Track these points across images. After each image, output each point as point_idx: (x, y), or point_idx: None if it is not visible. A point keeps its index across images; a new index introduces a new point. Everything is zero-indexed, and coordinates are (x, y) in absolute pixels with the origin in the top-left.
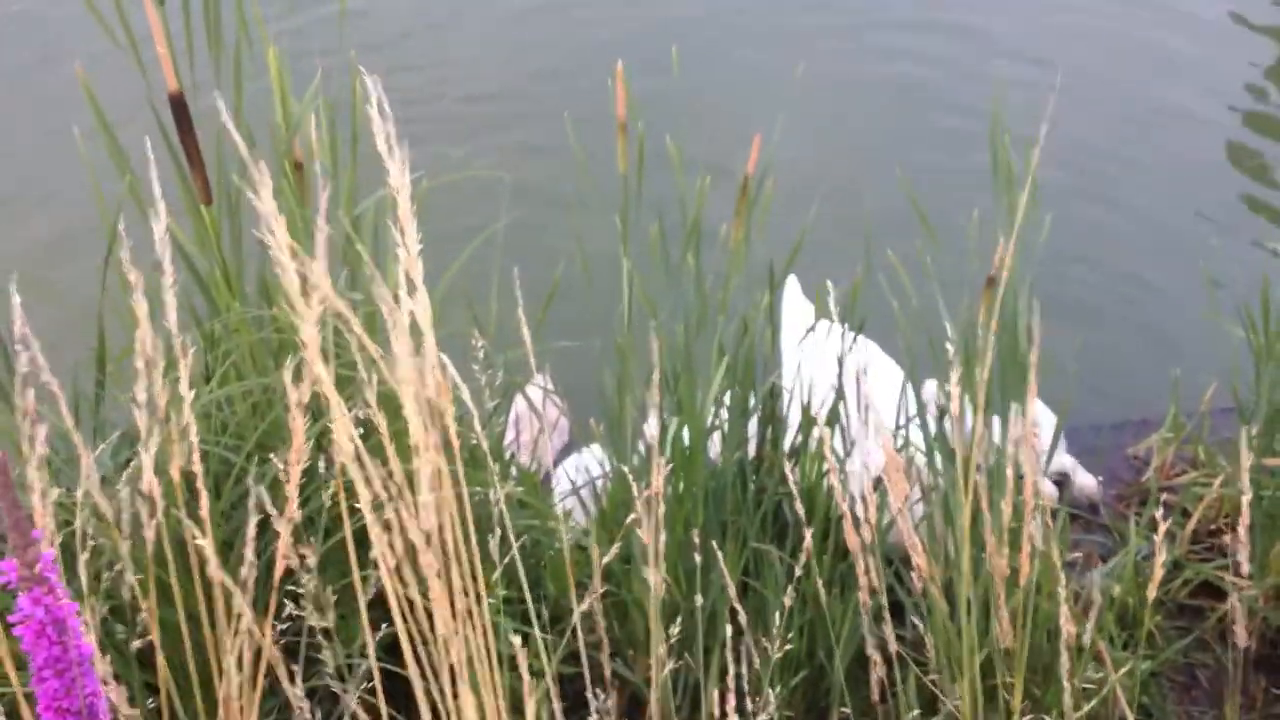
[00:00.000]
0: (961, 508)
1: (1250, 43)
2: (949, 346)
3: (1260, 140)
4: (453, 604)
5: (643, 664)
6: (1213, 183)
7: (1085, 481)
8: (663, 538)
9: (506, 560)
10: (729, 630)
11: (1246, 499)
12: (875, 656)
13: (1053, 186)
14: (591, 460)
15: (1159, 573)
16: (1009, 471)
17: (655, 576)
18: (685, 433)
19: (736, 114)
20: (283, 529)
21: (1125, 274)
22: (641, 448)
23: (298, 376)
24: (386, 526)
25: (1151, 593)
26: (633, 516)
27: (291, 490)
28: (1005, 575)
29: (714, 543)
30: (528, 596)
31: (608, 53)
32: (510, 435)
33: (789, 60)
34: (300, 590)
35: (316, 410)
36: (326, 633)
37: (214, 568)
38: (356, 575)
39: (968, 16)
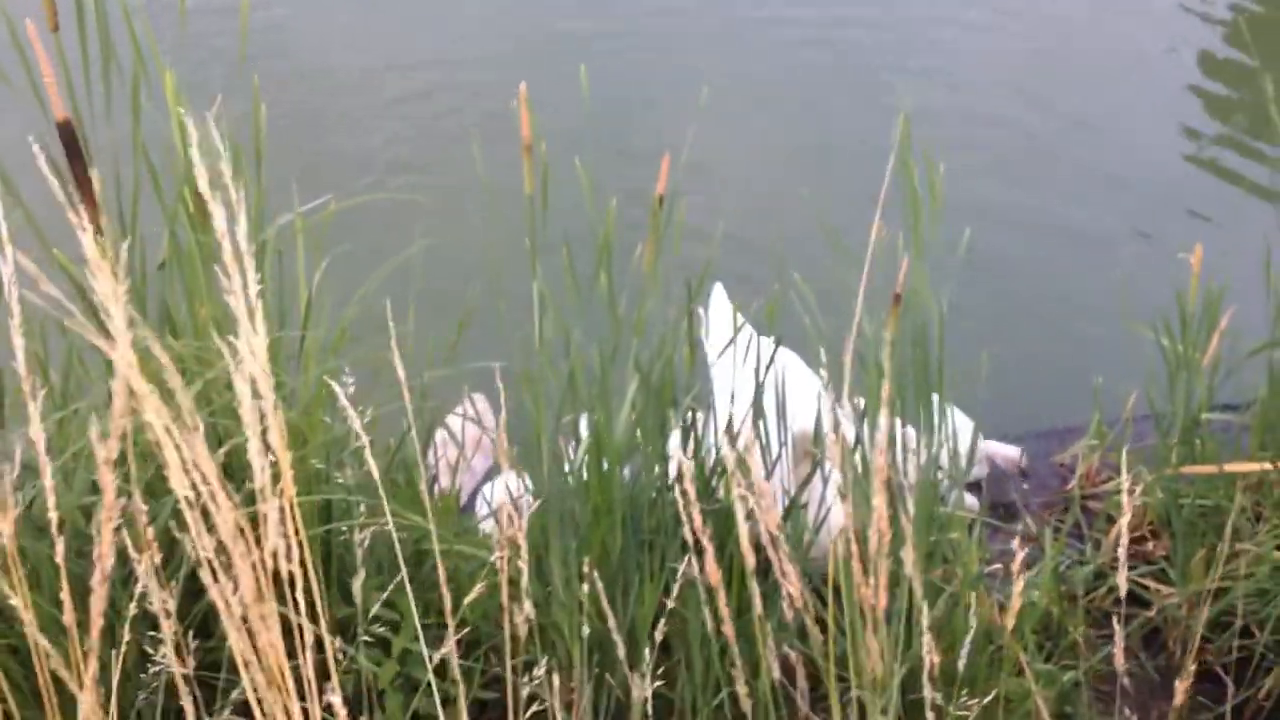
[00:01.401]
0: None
1: (1179, 53)
2: (845, 361)
3: (1185, 145)
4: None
5: (564, 687)
6: (1134, 190)
7: (1007, 454)
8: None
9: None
10: (647, 653)
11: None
12: (799, 671)
13: (973, 197)
14: (510, 484)
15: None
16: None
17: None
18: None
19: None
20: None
21: (1051, 281)
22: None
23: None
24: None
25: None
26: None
27: (104, 548)
28: (873, 604)
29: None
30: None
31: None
32: (436, 457)
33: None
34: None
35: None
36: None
37: (33, 631)
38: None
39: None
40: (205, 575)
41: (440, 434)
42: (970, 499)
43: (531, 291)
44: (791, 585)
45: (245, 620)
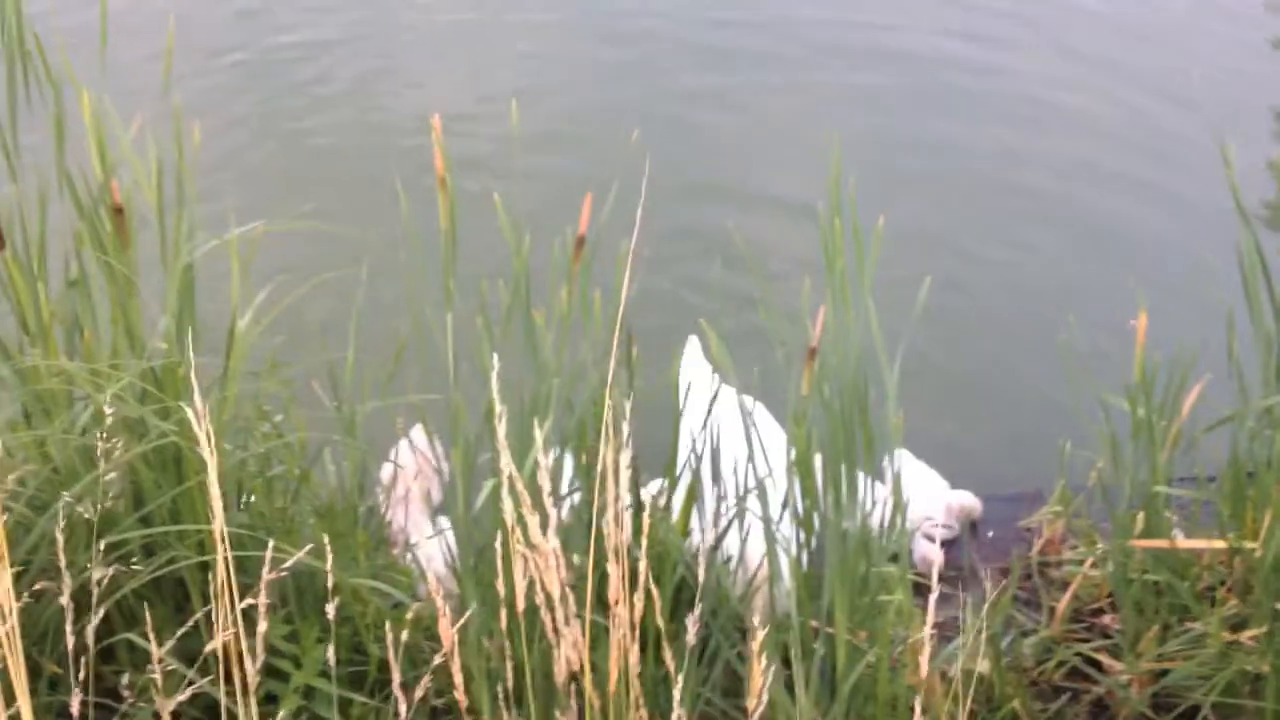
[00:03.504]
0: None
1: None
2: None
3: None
4: None
5: None
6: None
7: (964, 502)
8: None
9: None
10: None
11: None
12: None
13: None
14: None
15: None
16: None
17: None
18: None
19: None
20: None
21: (1026, 343)
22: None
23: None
24: None
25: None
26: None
27: None
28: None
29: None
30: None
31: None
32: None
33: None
34: None
35: None
36: None
37: None
38: None
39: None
40: None
41: (385, 468)
42: (929, 551)
43: (447, 327)
44: (567, 646)
45: None
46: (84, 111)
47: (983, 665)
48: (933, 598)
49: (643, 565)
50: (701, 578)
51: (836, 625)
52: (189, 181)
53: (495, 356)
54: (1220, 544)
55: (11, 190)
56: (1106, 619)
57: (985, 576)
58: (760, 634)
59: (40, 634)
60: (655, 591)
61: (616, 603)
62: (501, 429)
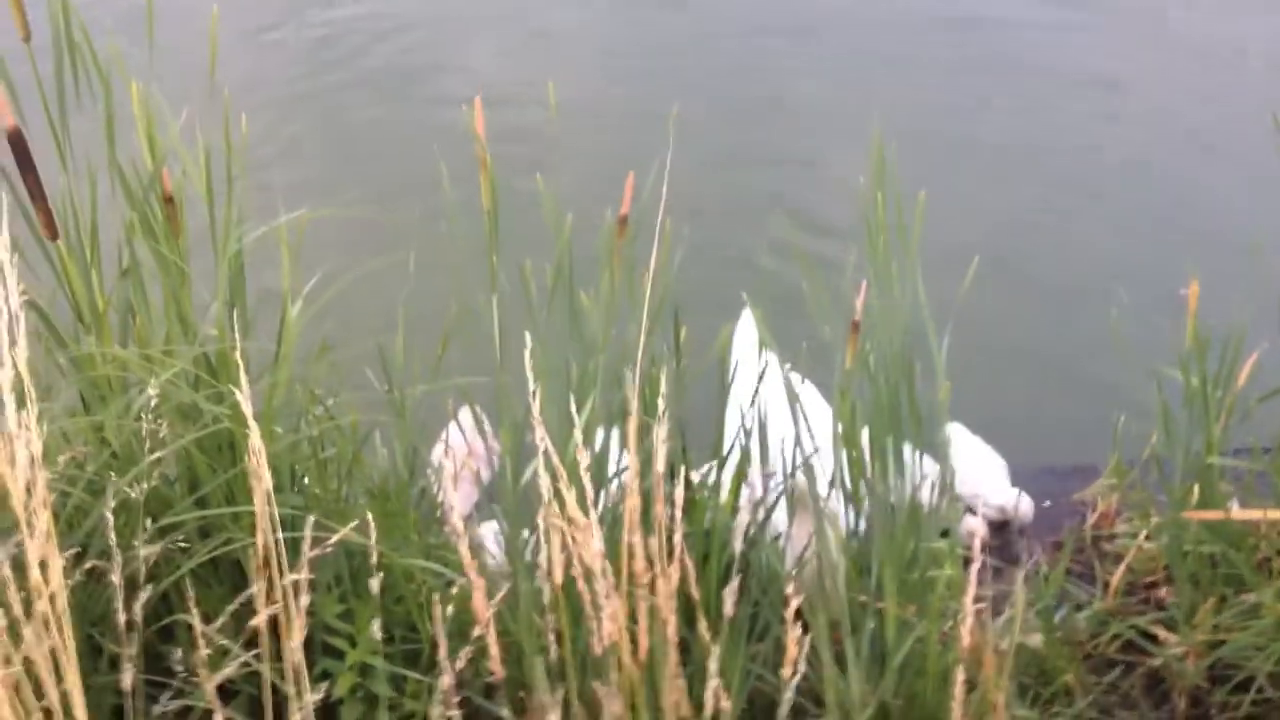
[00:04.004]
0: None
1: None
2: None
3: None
4: None
5: (535, 709)
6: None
7: (1003, 504)
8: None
9: None
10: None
11: None
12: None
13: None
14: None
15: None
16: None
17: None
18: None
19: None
20: None
21: (1082, 317)
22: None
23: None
24: None
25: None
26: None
27: None
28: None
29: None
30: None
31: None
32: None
33: None
34: None
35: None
36: None
37: None
38: None
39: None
40: None
41: (437, 449)
42: (975, 525)
43: (493, 308)
44: (608, 619)
45: None
46: (133, 101)
47: (1035, 639)
48: (974, 568)
49: (678, 536)
50: (738, 548)
51: (886, 600)
52: (239, 169)
53: (528, 335)
54: (1277, 514)
55: (63, 181)
56: (1161, 592)
57: (1039, 550)
58: (795, 601)
59: (100, 614)
60: (690, 563)
61: (651, 572)
62: (536, 406)
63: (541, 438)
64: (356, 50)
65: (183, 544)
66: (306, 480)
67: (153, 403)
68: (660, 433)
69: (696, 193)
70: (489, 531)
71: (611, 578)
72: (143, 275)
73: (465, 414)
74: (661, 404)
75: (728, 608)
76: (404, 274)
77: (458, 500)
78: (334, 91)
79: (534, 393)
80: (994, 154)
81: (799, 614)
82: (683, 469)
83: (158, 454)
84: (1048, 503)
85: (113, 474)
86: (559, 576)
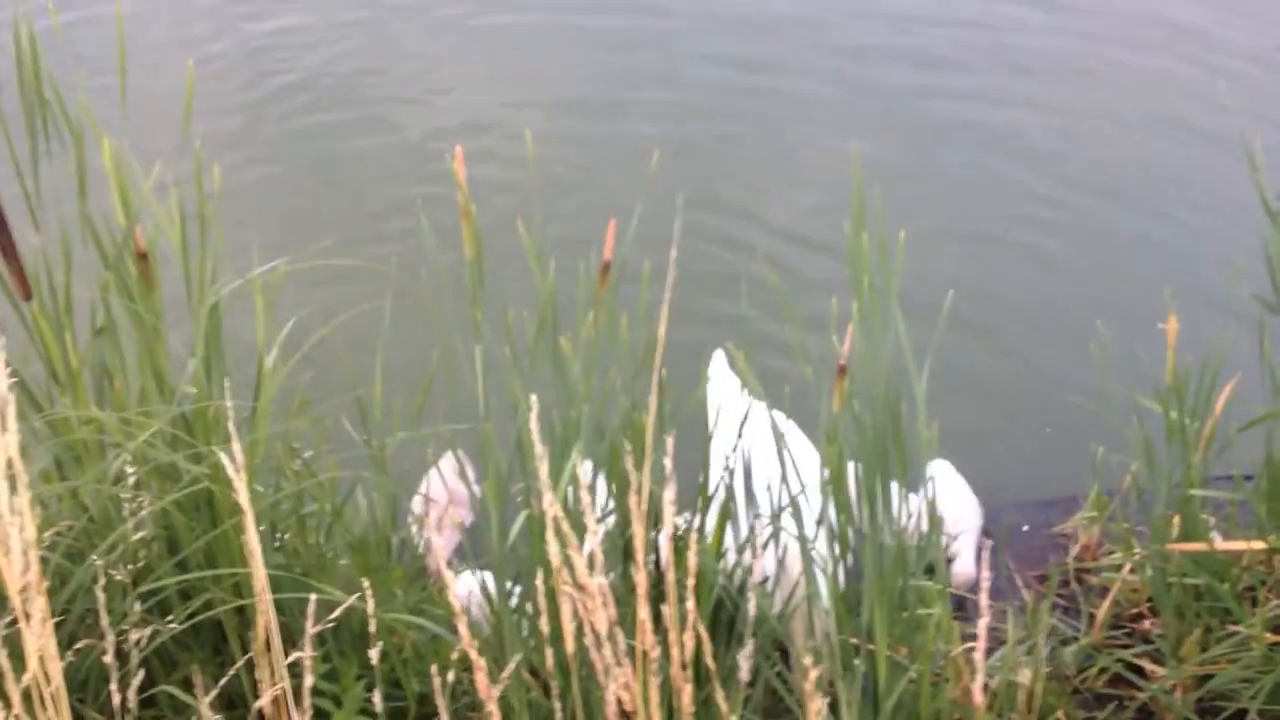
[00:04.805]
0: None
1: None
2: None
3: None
4: None
5: None
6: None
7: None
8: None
9: None
10: None
11: None
12: None
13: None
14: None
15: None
16: None
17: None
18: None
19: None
20: None
21: (1059, 348)
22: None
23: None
24: None
25: None
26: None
27: None
28: None
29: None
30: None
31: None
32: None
33: None
34: None
35: None
36: None
37: None
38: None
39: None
40: None
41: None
42: (962, 567)
43: (476, 360)
44: (619, 688)
45: None
46: (105, 158)
47: (1023, 675)
48: (982, 623)
49: (690, 604)
50: (752, 612)
51: (876, 642)
52: (214, 224)
53: (534, 397)
54: (1260, 545)
55: (35, 239)
56: (1147, 624)
57: (1022, 585)
58: (813, 672)
59: (81, 683)
60: (704, 633)
61: (668, 643)
62: (544, 468)
63: (550, 503)
64: (329, 93)
65: (167, 619)
66: (287, 536)
67: (129, 469)
68: (668, 495)
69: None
70: (474, 584)
71: (623, 645)
72: (118, 333)
73: (445, 460)
74: (668, 465)
75: (744, 673)
76: (380, 322)
77: (439, 546)
78: (305, 134)
79: (542, 456)
80: (965, 189)
81: (785, 654)
82: (693, 532)
83: (137, 519)
84: (1026, 528)
85: (96, 554)
86: (570, 645)
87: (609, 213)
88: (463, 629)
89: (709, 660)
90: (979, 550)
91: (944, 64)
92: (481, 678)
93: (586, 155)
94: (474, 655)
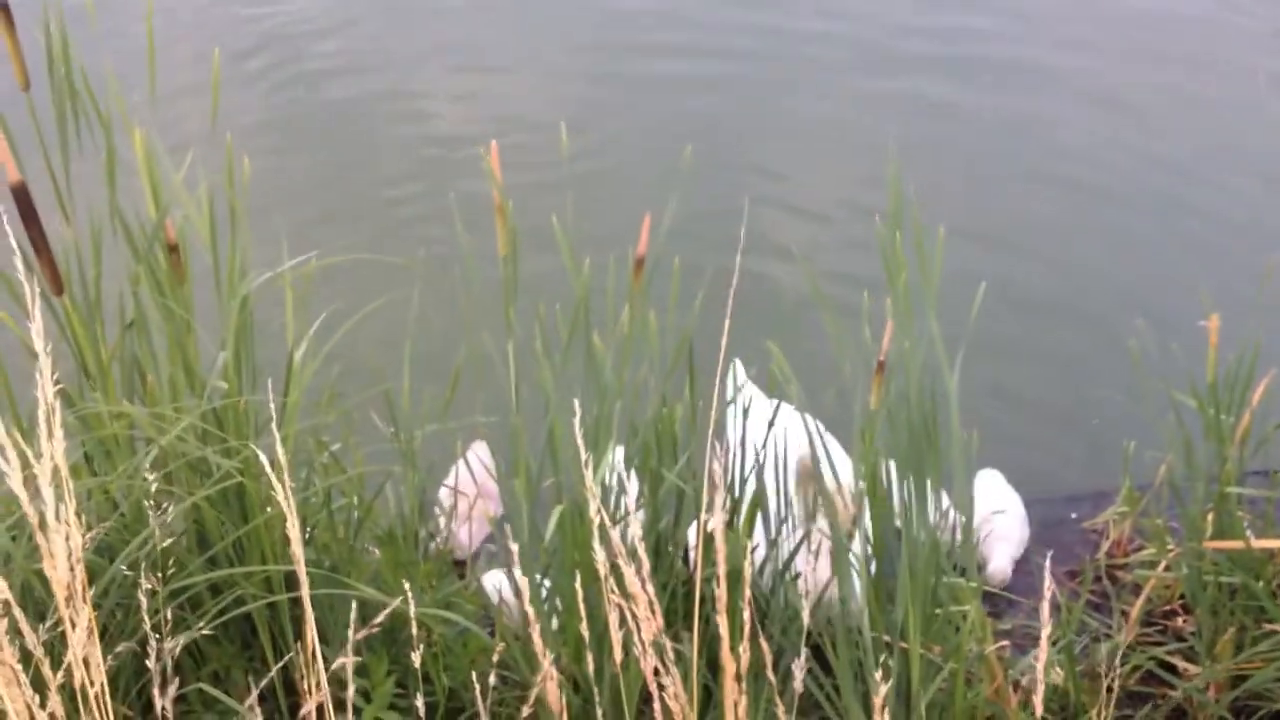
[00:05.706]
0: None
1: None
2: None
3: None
4: None
5: None
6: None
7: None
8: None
9: None
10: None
11: None
12: None
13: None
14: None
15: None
16: None
17: None
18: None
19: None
20: None
21: (1090, 343)
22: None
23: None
24: None
25: None
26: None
27: None
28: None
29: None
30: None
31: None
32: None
33: None
34: None
35: None
36: None
37: None
38: None
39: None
40: None
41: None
42: (999, 567)
43: (508, 353)
44: (670, 699)
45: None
46: (136, 150)
47: (1055, 674)
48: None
49: (746, 614)
50: (807, 620)
51: (910, 640)
52: (242, 219)
53: (575, 402)
54: None
55: (66, 233)
56: (1180, 621)
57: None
58: (883, 688)
59: (110, 680)
60: (766, 646)
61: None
62: (589, 474)
63: (596, 510)
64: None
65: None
66: (316, 530)
67: (167, 463)
68: (715, 513)
69: (700, 230)
70: (504, 578)
71: (672, 654)
72: (148, 326)
73: (474, 448)
74: (718, 498)
75: (796, 683)
76: (408, 309)
77: (467, 536)
78: (335, 127)
79: (587, 461)
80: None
81: (817, 651)
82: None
83: (168, 516)
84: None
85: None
86: (619, 654)
87: (633, 206)
88: (536, 636)
89: (769, 674)
90: (1015, 560)
91: (974, 56)
92: (552, 687)
93: (613, 147)
94: (545, 664)
